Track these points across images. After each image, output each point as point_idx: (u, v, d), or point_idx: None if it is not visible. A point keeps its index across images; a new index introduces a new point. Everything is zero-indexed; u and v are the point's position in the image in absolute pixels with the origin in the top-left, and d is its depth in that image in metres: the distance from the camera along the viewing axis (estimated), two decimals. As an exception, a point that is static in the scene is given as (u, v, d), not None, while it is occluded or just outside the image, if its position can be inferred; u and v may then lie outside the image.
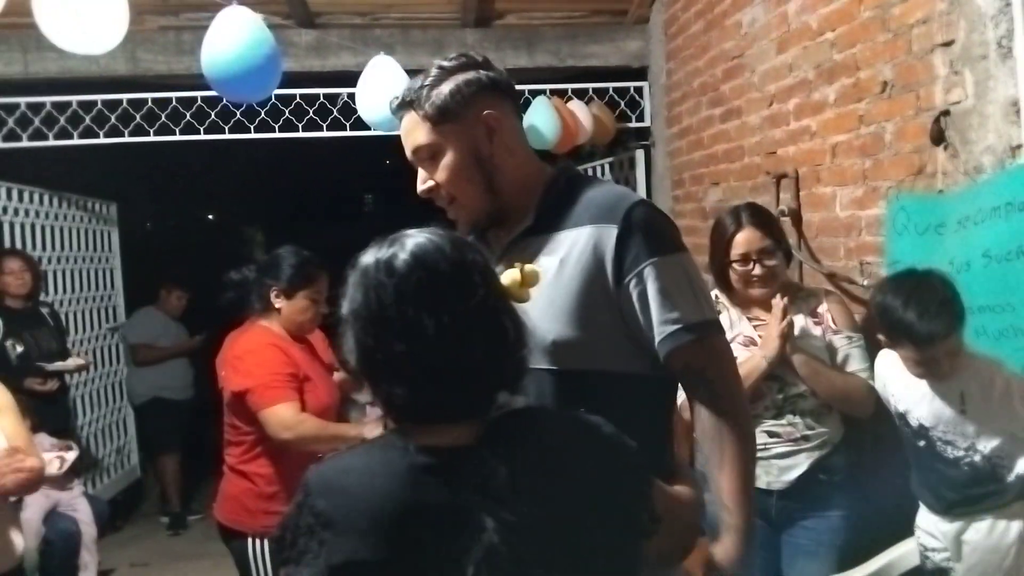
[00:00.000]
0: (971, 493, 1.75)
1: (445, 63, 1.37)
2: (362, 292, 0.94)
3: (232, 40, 2.36)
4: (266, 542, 2.35)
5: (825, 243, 2.71)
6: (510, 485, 0.87)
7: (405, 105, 1.37)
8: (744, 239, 2.19)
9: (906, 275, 1.87)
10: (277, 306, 2.44)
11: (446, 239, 0.97)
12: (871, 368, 2.11)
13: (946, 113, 2.08)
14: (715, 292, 2.29)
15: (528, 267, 1.11)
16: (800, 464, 2.14)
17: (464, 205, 1.39)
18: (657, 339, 1.29)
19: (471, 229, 1.40)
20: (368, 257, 0.96)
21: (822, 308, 2.23)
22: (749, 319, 2.26)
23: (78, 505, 3.72)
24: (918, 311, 1.70)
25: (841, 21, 2.54)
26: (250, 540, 2.35)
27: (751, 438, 1.37)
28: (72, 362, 3.94)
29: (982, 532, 1.74)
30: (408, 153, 1.40)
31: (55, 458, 3.26)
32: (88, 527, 3.71)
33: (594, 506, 0.94)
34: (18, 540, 2.21)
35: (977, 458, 1.74)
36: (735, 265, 2.21)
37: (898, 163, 2.31)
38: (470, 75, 1.36)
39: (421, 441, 0.91)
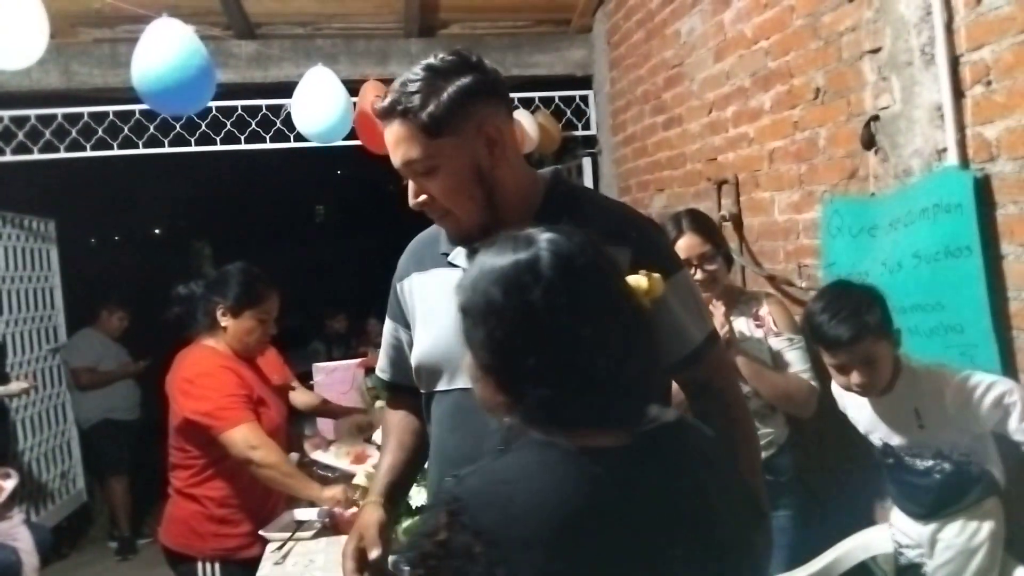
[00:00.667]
0: (945, 497, 1.78)
1: (436, 63, 1.25)
2: (503, 294, 0.89)
3: (163, 52, 2.32)
4: (217, 565, 2.30)
5: (765, 246, 2.76)
6: (667, 490, 0.86)
7: (393, 113, 1.24)
8: (685, 244, 2.20)
9: (835, 284, 1.91)
10: (223, 324, 2.39)
11: (583, 240, 0.94)
12: (812, 369, 2.14)
13: (876, 118, 2.13)
14: None
15: (655, 275, 1.03)
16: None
17: (460, 219, 1.30)
18: (672, 359, 1.30)
19: (463, 241, 1.33)
20: (502, 258, 0.92)
21: (763, 311, 2.26)
22: None
23: (18, 534, 3.58)
24: (829, 314, 1.73)
25: (774, 29, 2.59)
26: (200, 564, 2.31)
27: (758, 442, 1.50)
28: (16, 386, 3.81)
29: (954, 531, 1.77)
30: (396, 163, 1.29)
31: (-10, 488, 3.15)
32: (29, 556, 3.57)
33: (732, 513, 0.94)
34: None
35: (946, 465, 1.75)
36: None
37: (832, 167, 2.37)
38: (468, 80, 1.23)
39: (578, 443, 0.86)
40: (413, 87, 1.23)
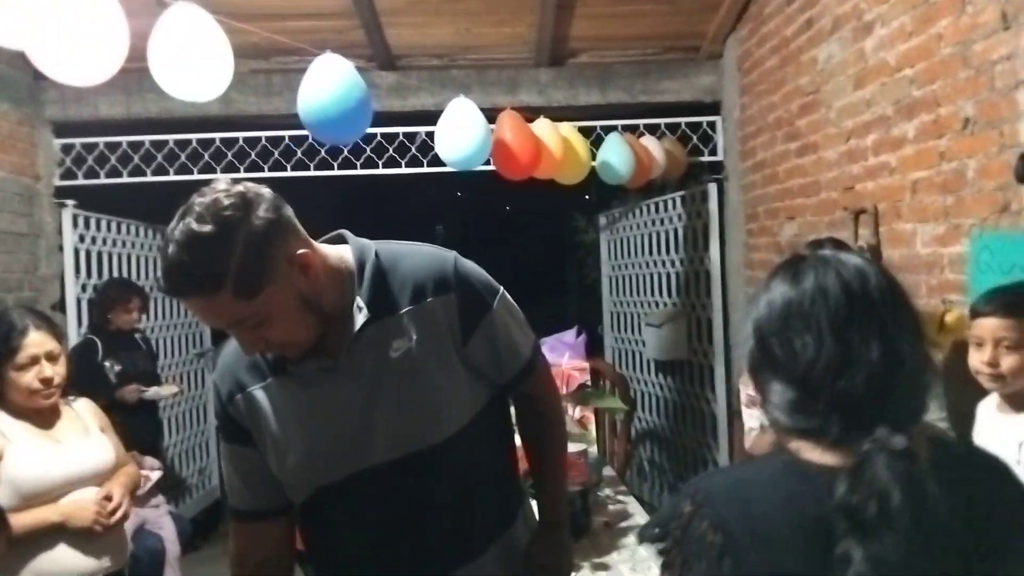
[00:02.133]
0: None
1: (206, 228, 1.14)
2: (793, 309, 0.94)
3: (327, 86, 2.49)
4: None
5: (906, 280, 2.65)
6: (879, 520, 0.85)
7: (196, 291, 1.18)
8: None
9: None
10: None
11: (876, 266, 0.97)
12: (946, 418, 2.04)
13: (1032, 150, 2.04)
14: None
15: (957, 314, 0.97)
16: None
17: (300, 344, 1.29)
18: (507, 377, 1.46)
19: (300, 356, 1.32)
20: (802, 278, 0.95)
21: None
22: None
23: (163, 523, 3.87)
24: (988, 295, 1.73)
25: (920, 58, 2.52)
26: None
27: (566, 442, 1.67)
28: (167, 389, 4.13)
29: None
30: (212, 323, 1.27)
31: (143, 477, 3.43)
32: (172, 545, 3.85)
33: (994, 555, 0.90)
34: (128, 545, 2.37)
35: None
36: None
37: (981, 200, 2.27)
38: (256, 225, 1.18)
39: (805, 456, 0.92)
40: (202, 256, 1.15)
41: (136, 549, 3.58)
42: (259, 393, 1.37)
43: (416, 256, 1.40)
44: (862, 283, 0.93)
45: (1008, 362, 1.73)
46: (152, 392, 4.02)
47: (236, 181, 1.25)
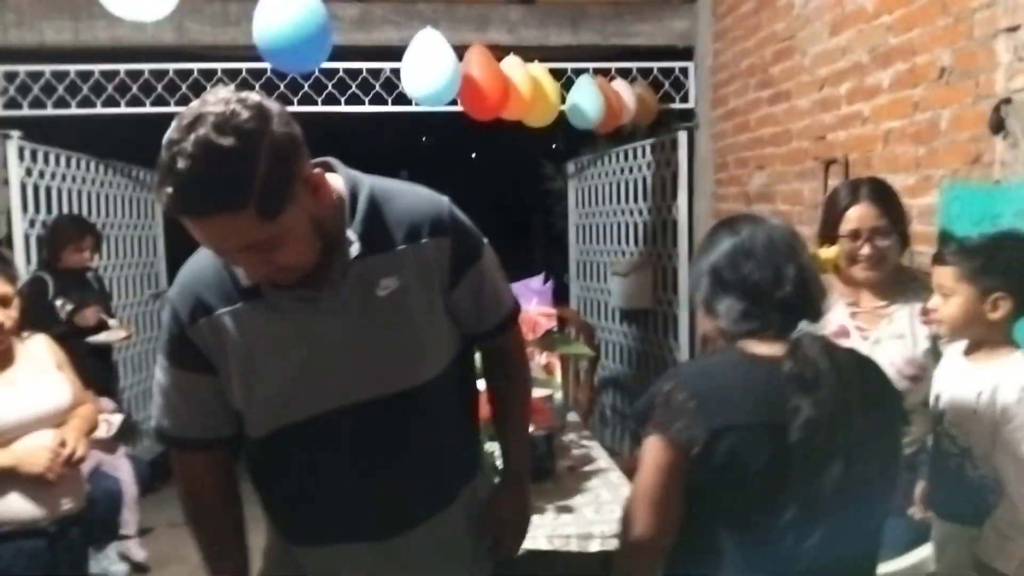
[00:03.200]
0: None
1: (228, 141, 1.04)
2: (742, 253, 1.34)
3: (285, 10, 2.37)
4: None
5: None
6: (824, 381, 1.24)
7: (213, 209, 1.06)
8: (857, 214, 1.99)
9: None
10: None
11: (782, 222, 1.42)
12: None
13: (1007, 101, 2.02)
14: None
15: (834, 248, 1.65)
16: None
17: (303, 269, 1.22)
18: (484, 328, 1.45)
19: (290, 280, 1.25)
20: (740, 230, 1.36)
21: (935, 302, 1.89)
22: (848, 305, 2.05)
23: (120, 465, 3.82)
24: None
25: (899, 4, 2.47)
26: None
27: (530, 396, 1.65)
28: (115, 334, 4.00)
29: None
30: (222, 249, 1.16)
31: (102, 422, 3.34)
32: (130, 487, 3.82)
33: (872, 404, 1.31)
34: (85, 486, 2.33)
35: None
36: (843, 241, 2.01)
37: (953, 151, 2.26)
38: (277, 139, 1.09)
39: (751, 350, 1.31)
40: (227, 172, 1.05)
41: (93, 491, 3.53)
42: (227, 319, 1.27)
43: (411, 195, 1.35)
44: (779, 230, 1.37)
45: (946, 311, 1.72)
46: (102, 336, 3.90)
47: (240, 88, 1.13)
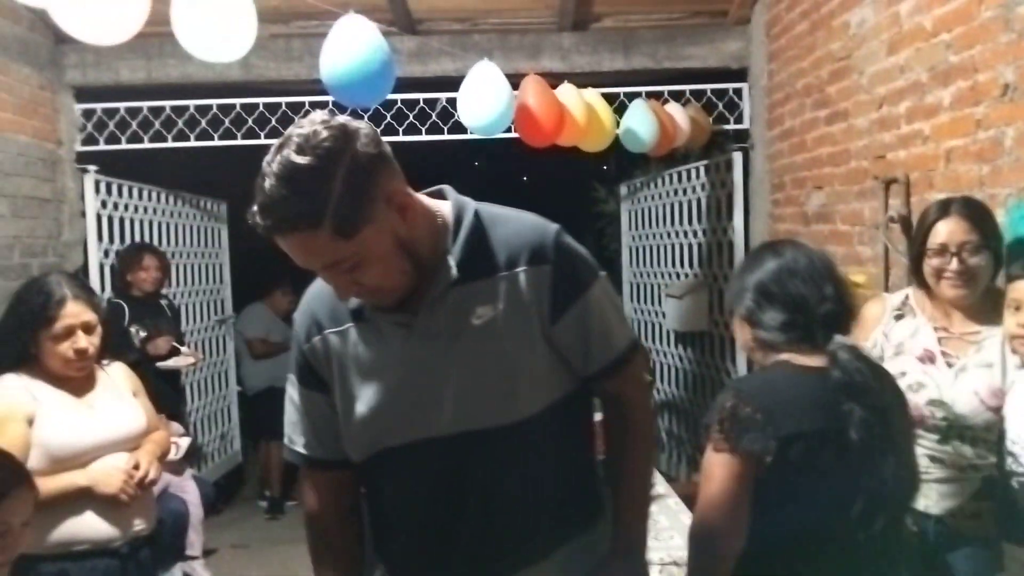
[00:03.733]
0: None
1: (306, 160, 1.09)
2: (787, 272, 1.51)
3: (351, 47, 2.45)
4: None
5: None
6: (866, 386, 1.41)
7: (293, 227, 1.11)
8: (946, 229, 1.92)
9: None
10: None
11: (818, 248, 1.65)
12: None
13: (1074, 117, 1.97)
14: (908, 291, 2.09)
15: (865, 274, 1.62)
16: (963, 492, 1.91)
17: (394, 292, 1.23)
18: (591, 369, 1.34)
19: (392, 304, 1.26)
20: (783, 252, 1.54)
21: None
22: (936, 329, 1.98)
23: (187, 487, 3.93)
24: None
25: (958, 22, 2.44)
26: None
27: (654, 458, 1.48)
28: (184, 360, 4.14)
29: None
30: (308, 266, 1.19)
31: (172, 444, 3.46)
32: (196, 508, 3.91)
33: (901, 403, 1.54)
34: (156, 508, 2.39)
35: None
36: (930, 257, 1.94)
37: (1019, 169, 2.20)
38: (356, 159, 1.12)
39: (799, 363, 1.45)
40: (302, 190, 1.09)
41: (160, 512, 3.65)
42: (334, 338, 1.31)
43: (516, 221, 1.31)
44: (817, 253, 1.56)
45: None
46: (172, 362, 4.04)
47: (333, 113, 1.18)
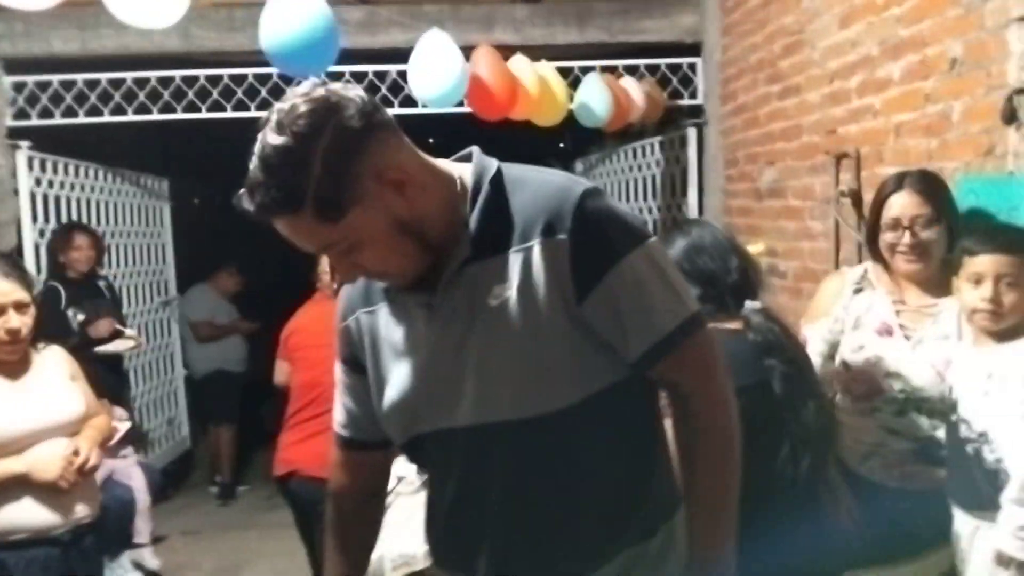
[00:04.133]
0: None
1: (281, 140, 1.01)
2: (695, 250, 1.72)
3: (292, 14, 2.37)
4: None
5: (886, 225, 2.63)
6: (780, 343, 1.62)
7: (274, 211, 1.04)
8: (899, 203, 1.93)
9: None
10: None
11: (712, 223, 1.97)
12: None
13: (1020, 92, 1.99)
14: (866, 265, 2.12)
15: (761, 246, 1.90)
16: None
17: (402, 275, 1.14)
18: (633, 355, 1.14)
19: (409, 286, 1.18)
20: (689, 231, 1.77)
21: None
22: (893, 302, 1.99)
23: (132, 473, 3.83)
24: (986, 233, 1.83)
25: (909, -5, 2.45)
26: None
27: (732, 462, 1.18)
28: (124, 343, 4.01)
29: None
30: (303, 247, 1.11)
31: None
32: (142, 495, 3.82)
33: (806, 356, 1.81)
34: (99, 495, 2.35)
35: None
36: (884, 232, 1.96)
37: (966, 144, 2.23)
38: (337, 136, 1.02)
39: (720, 329, 1.53)
40: (278, 173, 1.01)
41: (105, 499, 3.54)
42: (366, 318, 1.26)
43: (537, 185, 1.15)
44: (720, 230, 1.78)
45: (1009, 298, 1.72)
46: (113, 346, 3.91)
47: (323, 83, 1.07)
